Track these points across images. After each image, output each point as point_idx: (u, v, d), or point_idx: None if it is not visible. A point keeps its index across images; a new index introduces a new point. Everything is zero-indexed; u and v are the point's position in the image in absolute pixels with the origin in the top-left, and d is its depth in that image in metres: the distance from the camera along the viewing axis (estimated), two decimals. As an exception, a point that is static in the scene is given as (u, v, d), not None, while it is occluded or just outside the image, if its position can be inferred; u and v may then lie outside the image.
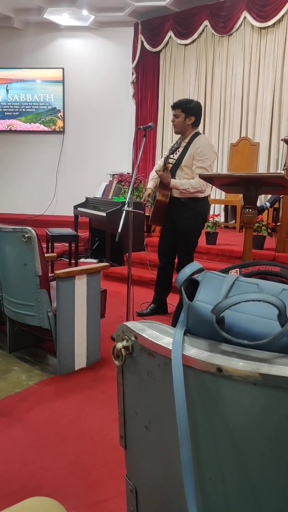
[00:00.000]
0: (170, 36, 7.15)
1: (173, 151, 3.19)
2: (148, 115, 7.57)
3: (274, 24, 6.17)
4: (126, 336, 0.72)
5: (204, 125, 7.03)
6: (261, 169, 6.34)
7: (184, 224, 3.35)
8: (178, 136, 3.39)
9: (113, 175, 7.07)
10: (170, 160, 3.32)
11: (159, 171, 3.28)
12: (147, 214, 4.88)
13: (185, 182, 3.22)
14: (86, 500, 1.58)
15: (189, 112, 3.28)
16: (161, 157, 3.68)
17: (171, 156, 3.30)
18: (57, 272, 2.47)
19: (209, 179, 2.98)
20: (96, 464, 1.77)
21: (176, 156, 3.35)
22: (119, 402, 0.78)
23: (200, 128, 6.95)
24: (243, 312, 0.64)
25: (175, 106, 3.31)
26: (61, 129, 8.00)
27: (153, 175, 3.59)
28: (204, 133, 7.00)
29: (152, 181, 3.56)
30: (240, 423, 0.59)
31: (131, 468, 0.82)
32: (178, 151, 3.30)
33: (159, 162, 3.61)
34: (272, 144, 6.36)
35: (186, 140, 3.31)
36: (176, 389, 0.62)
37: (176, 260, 3.58)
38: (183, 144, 3.33)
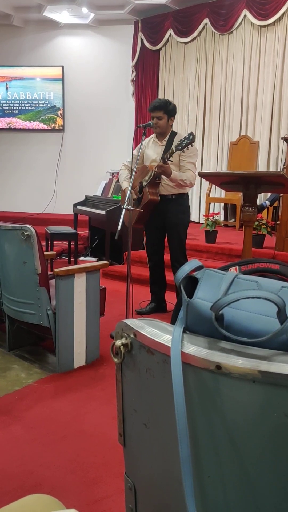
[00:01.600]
0: (170, 34, 7.13)
1: (182, 147, 3.15)
2: (148, 113, 7.53)
3: (274, 22, 6.15)
4: (125, 334, 0.72)
5: (204, 123, 7.02)
6: (261, 167, 6.34)
7: (176, 220, 3.43)
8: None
9: (113, 173, 7.06)
10: (155, 157, 3.34)
11: (160, 164, 3.25)
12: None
13: (183, 173, 3.29)
14: (85, 498, 1.58)
15: (171, 113, 3.37)
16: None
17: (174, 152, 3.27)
18: (56, 270, 2.47)
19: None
20: (95, 462, 1.78)
21: (157, 155, 3.37)
22: (118, 399, 0.78)
23: (199, 126, 7.00)
24: (243, 310, 0.64)
25: (157, 108, 3.31)
26: (61, 127, 7.99)
27: (125, 175, 3.53)
28: (204, 131, 7.00)
29: (126, 181, 3.49)
30: (239, 420, 0.59)
31: (130, 466, 0.82)
32: (186, 146, 3.22)
33: (128, 159, 3.56)
34: (272, 142, 6.35)
35: (166, 139, 3.39)
36: (175, 386, 0.62)
37: (166, 257, 3.60)
38: (163, 142, 3.40)
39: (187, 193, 3.49)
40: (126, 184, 3.49)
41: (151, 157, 3.42)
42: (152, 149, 3.46)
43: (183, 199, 3.44)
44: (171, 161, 3.26)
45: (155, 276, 3.68)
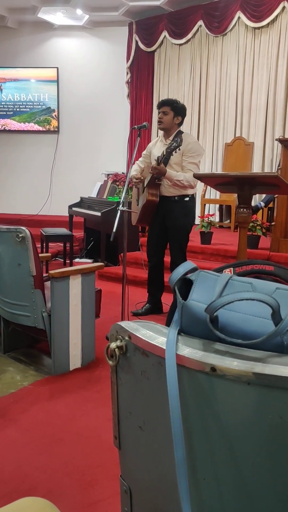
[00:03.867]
0: (165, 36, 7.14)
1: (171, 150, 3.17)
2: (143, 114, 7.56)
3: (268, 24, 6.18)
4: (120, 336, 0.72)
5: (198, 124, 7.04)
6: (256, 169, 6.36)
7: (177, 223, 3.39)
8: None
9: (108, 174, 7.06)
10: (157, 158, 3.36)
11: (153, 166, 3.27)
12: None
13: (180, 173, 3.26)
14: (81, 501, 1.58)
15: (178, 112, 3.35)
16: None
17: (165, 155, 3.29)
18: (51, 272, 2.46)
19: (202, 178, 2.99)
20: (91, 465, 1.77)
21: (161, 153, 3.37)
22: (113, 402, 0.78)
23: (194, 128, 7.01)
24: (237, 311, 0.64)
25: (164, 104, 3.35)
26: (56, 129, 7.98)
27: (134, 168, 3.60)
28: (199, 132, 7.02)
29: (134, 171, 3.58)
30: (234, 422, 0.59)
31: (125, 469, 0.82)
32: (175, 150, 3.26)
33: (137, 162, 3.61)
34: (266, 144, 6.38)
35: (171, 138, 3.36)
36: (170, 388, 0.62)
37: (167, 259, 3.59)
38: (167, 142, 3.38)
39: (192, 195, 3.43)
40: (133, 173, 3.56)
41: (155, 156, 3.41)
42: (158, 148, 3.47)
43: (186, 201, 3.38)
44: (164, 163, 3.26)
45: (152, 277, 3.67)
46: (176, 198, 3.35)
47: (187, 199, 3.38)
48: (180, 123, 3.40)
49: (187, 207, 3.40)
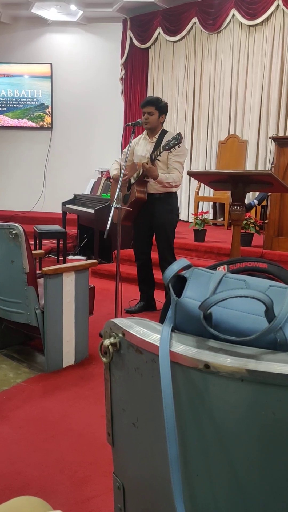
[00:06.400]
0: (159, 33, 7.12)
1: (169, 147, 3.15)
2: (137, 111, 7.54)
3: (262, 22, 6.19)
4: (114, 333, 0.72)
5: (192, 122, 7.04)
6: (249, 166, 6.37)
7: (163, 219, 3.42)
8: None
9: (102, 171, 7.05)
10: (144, 154, 3.36)
11: (147, 163, 3.25)
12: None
13: (169, 176, 3.29)
14: (74, 497, 1.58)
15: (162, 111, 3.38)
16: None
17: (158, 154, 3.27)
18: (44, 269, 2.45)
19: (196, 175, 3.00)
20: (84, 462, 1.77)
21: (147, 152, 3.38)
22: (106, 399, 0.78)
23: (188, 125, 7.01)
24: (231, 309, 0.64)
25: (148, 104, 3.33)
26: (49, 125, 7.94)
27: (115, 167, 3.54)
28: (192, 130, 7.01)
29: (116, 170, 3.51)
30: (227, 419, 0.59)
31: (118, 465, 0.82)
32: (173, 147, 3.23)
33: (117, 160, 3.55)
34: (260, 141, 6.39)
35: (156, 136, 3.39)
36: (163, 385, 0.62)
37: (154, 255, 3.60)
38: (153, 140, 3.40)
39: (176, 192, 3.48)
40: (115, 171, 3.50)
41: (140, 154, 3.42)
42: (142, 146, 3.46)
43: (171, 198, 3.42)
44: (159, 160, 3.25)
45: (143, 275, 3.68)
46: (161, 195, 3.38)
47: (171, 195, 3.42)
48: (164, 121, 3.45)
49: (171, 203, 3.45)
